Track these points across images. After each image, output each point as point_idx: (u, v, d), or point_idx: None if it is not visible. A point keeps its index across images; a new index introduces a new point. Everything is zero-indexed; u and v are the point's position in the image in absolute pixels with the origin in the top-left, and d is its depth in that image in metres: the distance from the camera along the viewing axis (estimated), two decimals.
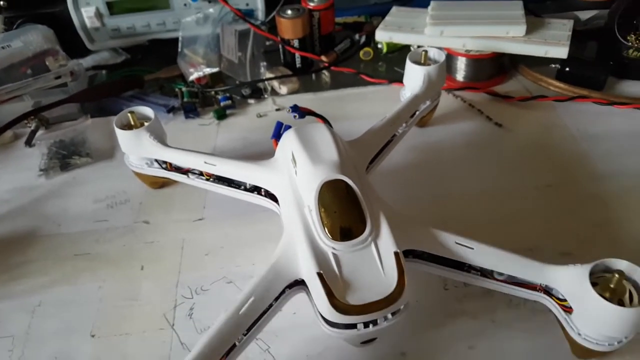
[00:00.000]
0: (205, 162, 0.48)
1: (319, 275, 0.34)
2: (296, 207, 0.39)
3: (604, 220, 0.49)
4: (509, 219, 0.50)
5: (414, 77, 0.54)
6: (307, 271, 0.35)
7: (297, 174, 0.41)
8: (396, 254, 0.35)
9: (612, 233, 0.48)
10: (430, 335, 0.41)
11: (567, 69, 0.66)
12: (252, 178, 0.46)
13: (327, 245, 0.36)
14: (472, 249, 0.38)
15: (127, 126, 0.51)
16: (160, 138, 0.51)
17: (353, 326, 0.34)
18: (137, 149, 0.51)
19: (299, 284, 0.37)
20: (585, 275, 0.34)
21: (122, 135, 0.50)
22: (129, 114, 0.51)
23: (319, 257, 0.35)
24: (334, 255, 0.35)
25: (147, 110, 0.52)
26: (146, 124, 0.51)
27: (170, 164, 0.51)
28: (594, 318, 0.34)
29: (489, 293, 0.43)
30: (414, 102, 0.53)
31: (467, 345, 0.40)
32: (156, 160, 0.52)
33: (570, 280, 0.35)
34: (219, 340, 0.33)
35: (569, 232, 0.48)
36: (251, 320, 0.35)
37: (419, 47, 0.61)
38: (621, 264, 0.35)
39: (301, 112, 0.49)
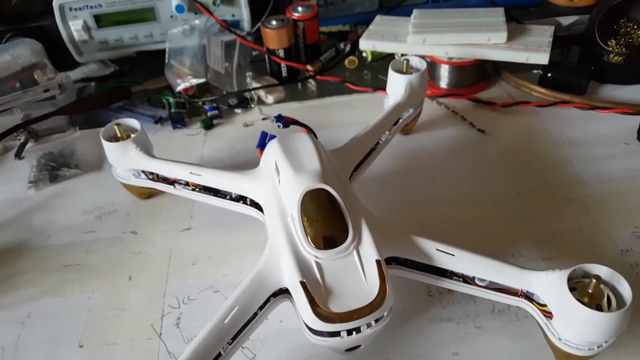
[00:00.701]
0: (191, 173, 0.49)
1: (302, 284, 0.35)
2: (279, 215, 0.40)
3: (585, 225, 0.50)
4: (492, 223, 0.51)
5: (396, 85, 0.55)
6: (291, 280, 0.36)
7: (280, 183, 0.42)
8: (378, 261, 0.36)
9: (593, 237, 0.49)
10: (415, 342, 0.42)
11: (549, 74, 0.68)
12: (237, 188, 0.47)
13: (310, 253, 0.36)
14: (453, 255, 0.38)
15: (114, 138, 0.52)
16: (147, 149, 0.52)
17: (337, 334, 0.35)
18: (123, 160, 0.51)
19: (283, 292, 0.38)
20: (563, 280, 0.34)
21: (108, 147, 0.51)
22: (115, 126, 0.52)
23: (302, 265, 0.36)
24: (317, 263, 0.36)
25: (134, 122, 0.53)
26: (132, 135, 0.51)
27: (157, 174, 0.51)
28: (573, 323, 0.34)
29: (473, 299, 0.44)
30: (397, 110, 0.54)
31: (452, 351, 0.41)
32: (143, 172, 0.52)
33: (549, 285, 0.36)
34: (204, 350, 0.34)
35: (551, 236, 0.49)
36: (236, 329, 0.36)
37: (402, 55, 0.62)
38: (599, 269, 0.35)
39: (285, 121, 0.50)
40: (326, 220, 0.38)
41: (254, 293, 0.37)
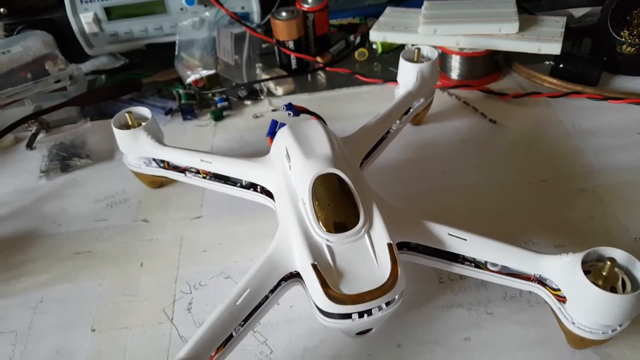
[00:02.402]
0: (202, 160, 0.49)
1: (314, 266, 0.35)
2: (290, 201, 0.40)
3: (597, 214, 0.50)
4: (503, 213, 0.51)
5: (407, 74, 0.55)
6: (302, 263, 0.36)
7: (291, 168, 0.42)
8: (389, 245, 0.36)
9: (606, 226, 0.48)
10: (426, 327, 0.41)
11: (561, 65, 0.67)
12: (247, 175, 0.47)
13: (321, 237, 0.36)
14: (465, 240, 0.38)
15: (125, 126, 0.52)
16: (158, 137, 0.52)
17: (348, 316, 0.35)
18: (134, 148, 0.52)
19: (294, 276, 0.38)
20: (577, 263, 0.34)
21: (120, 134, 0.51)
22: (126, 114, 0.52)
23: (313, 249, 0.36)
24: (328, 247, 0.36)
25: (145, 111, 0.53)
26: (143, 123, 0.51)
27: (168, 162, 0.52)
28: (587, 306, 0.34)
29: (484, 286, 0.44)
30: (407, 98, 0.54)
31: (463, 336, 0.41)
32: (154, 160, 0.52)
33: (563, 269, 0.35)
34: (216, 330, 0.34)
35: (563, 225, 0.49)
36: (247, 311, 0.36)
37: (412, 45, 0.62)
38: (613, 252, 0.35)
39: (296, 110, 0.50)
40: (337, 205, 0.38)
41: (265, 276, 0.37)
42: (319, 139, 0.42)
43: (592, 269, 0.35)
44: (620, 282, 0.34)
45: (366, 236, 0.36)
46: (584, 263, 0.34)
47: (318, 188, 0.38)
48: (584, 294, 0.33)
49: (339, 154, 0.41)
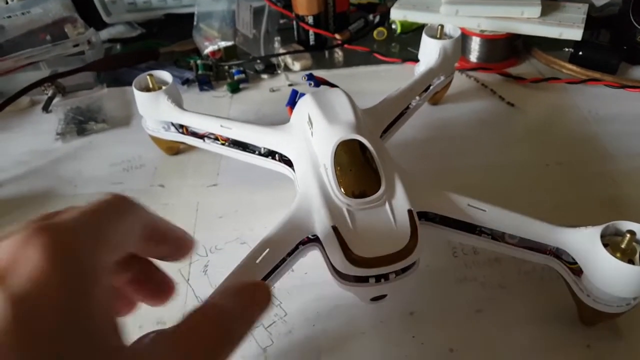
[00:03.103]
0: (222, 126, 0.49)
1: (334, 228, 0.35)
2: (312, 167, 0.40)
3: (612, 197, 0.50)
4: (519, 192, 0.51)
5: (430, 51, 0.55)
6: (322, 225, 0.36)
7: (313, 135, 0.42)
8: (410, 211, 0.36)
9: (621, 208, 0.49)
10: (439, 298, 0.42)
11: (580, 52, 0.67)
12: (267, 142, 0.47)
13: (342, 201, 0.36)
14: (485, 211, 0.38)
15: (145, 89, 0.52)
16: (178, 102, 0.52)
17: (365, 280, 0.35)
18: (154, 111, 0.52)
19: (311, 240, 0.38)
20: (596, 235, 0.34)
21: (140, 97, 0.51)
22: (147, 77, 0.52)
23: (334, 212, 0.36)
24: (349, 211, 0.36)
25: (165, 75, 0.53)
26: (164, 87, 0.52)
27: (187, 128, 0.52)
28: (604, 278, 0.34)
29: (497, 261, 0.44)
30: (429, 75, 0.54)
31: (475, 308, 0.41)
32: (172, 125, 0.52)
33: (582, 241, 0.35)
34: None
35: (578, 206, 0.49)
36: (266, 271, 0.36)
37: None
38: (633, 226, 0.35)
39: (317, 80, 0.50)
40: (359, 171, 0.38)
41: (285, 237, 0.37)
42: (342, 106, 0.42)
43: (610, 242, 0.35)
44: (638, 255, 0.34)
45: (387, 203, 0.37)
46: (602, 237, 0.34)
47: (340, 154, 0.38)
48: (602, 265, 0.33)
49: (362, 121, 0.41)
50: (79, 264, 0.20)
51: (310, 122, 0.42)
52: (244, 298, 0.25)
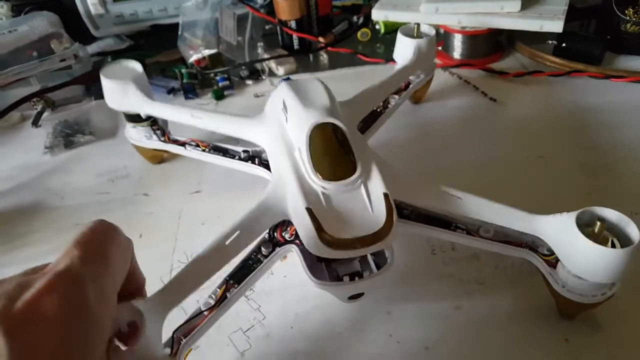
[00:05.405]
0: (192, 115, 0.49)
1: (308, 210, 0.34)
2: (286, 152, 0.39)
3: (594, 189, 0.50)
4: (502, 188, 0.50)
5: (405, 49, 0.55)
6: (296, 208, 0.36)
7: (287, 120, 0.41)
8: (385, 195, 0.35)
9: (603, 200, 0.48)
10: (417, 296, 0.42)
11: (564, 44, 0.67)
12: (239, 131, 0.47)
13: (317, 184, 0.36)
14: (461, 199, 0.38)
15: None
16: (147, 92, 0.52)
17: (339, 279, 0.35)
18: (123, 101, 0.51)
19: (288, 242, 0.38)
20: (572, 220, 0.34)
21: (108, 85, 0.51)
22: (117, 66, 0.52)
23: (308, 195, 0.35)
24: (324, 194, 0.36)
25: (135, 64, 0.53)
26: (132, 76, 0.51)
27: (168, 136, 0.52)
28: (579, 263, 0.33)
29: (476, 257, 0.44)
30: (404, 72, 0.54)
31: (453, 305, 0.41)
32: (154, 132, 0.53)
33: (557, 227, 0.35)
34: (203, 266, 0.34)
35: (560, 200, 0.49)
36: (235, 253, 0.36)
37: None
38: (605, 212, 0.34)
39: None
40: (334, 155, 0.37)
41: (256, 221, 0.37)
42: (317, 91, 0.41)
43: (583, 232, 0.34)
44: (609, 244, 0.33)
45: (362, 186, 0.36)
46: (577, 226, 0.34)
47: (315, 137, 0.38)
48: (578, 249, 0.33)
49: (337, 107, 0.41)
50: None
51: (285, 108, 0.42)
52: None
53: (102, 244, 0.26)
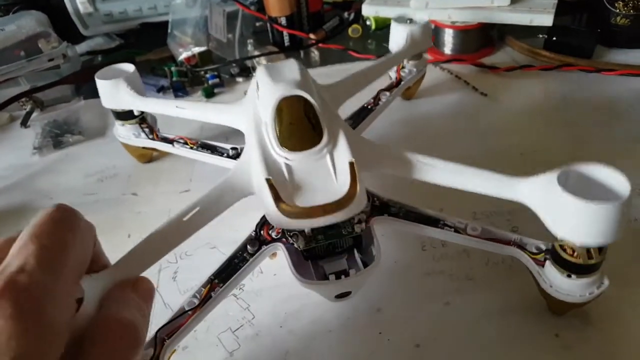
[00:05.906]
0: (177, 107, 0.49)
1: (267, 180, 0.33)
2: (255, 128, 0.38)
3: None
4: None
5: (398, 36, 0.55)
6: (257, 180, 0.35)
7: (259, 97, 0.40)
8: (351, 163, 0.34)
9: None
10: (407, 293, 0.41)
11: (554, 38, 0.66)
12: (220, 118, 0.47)
13: (280, 155, 0.35)
14: (436, 167, 0.37)
15: None
16: (139, 90, 0.52)
17: (325, 277, 0.35)
18: (115, 99, 0.52)
19: (274, 240, 0.38)
20: (553, 178, 0.32)
21: (102, 85, 0.51)
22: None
23: (270, 166, 0.35)
24: (287, 165, 0.35)
25: (128, 66, 0.53)
26: (124, 75, 0.52)
27: (157, 134, 0.52)
28: (564, 223, 0.31)
29: (466, 253, 0.44)
30: (395, 58, 0.53)
31: (444, 301, 0.41)
32: (142, 131, 0.53)
33: (538, 187, 0.33)
34: (158, 242, 0.34)
35: None
36: (193, 230, 0.35)
37: None
38: (590, 168, 0.33)
39: None
40: (301, 126, 0.36)
41: (218, 197, 0.36)
42: (290, 68, 0.40)
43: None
44: None
45: (328, 156, 0.35)
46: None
47: (282, 109, 0.36)
48: (560, 207, 0.31)
49: (309, 81, 0.39)
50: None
51: (257, 86, 0.40)
52: (136, 297, 0.26)
53: (61, 233, 0.23)
